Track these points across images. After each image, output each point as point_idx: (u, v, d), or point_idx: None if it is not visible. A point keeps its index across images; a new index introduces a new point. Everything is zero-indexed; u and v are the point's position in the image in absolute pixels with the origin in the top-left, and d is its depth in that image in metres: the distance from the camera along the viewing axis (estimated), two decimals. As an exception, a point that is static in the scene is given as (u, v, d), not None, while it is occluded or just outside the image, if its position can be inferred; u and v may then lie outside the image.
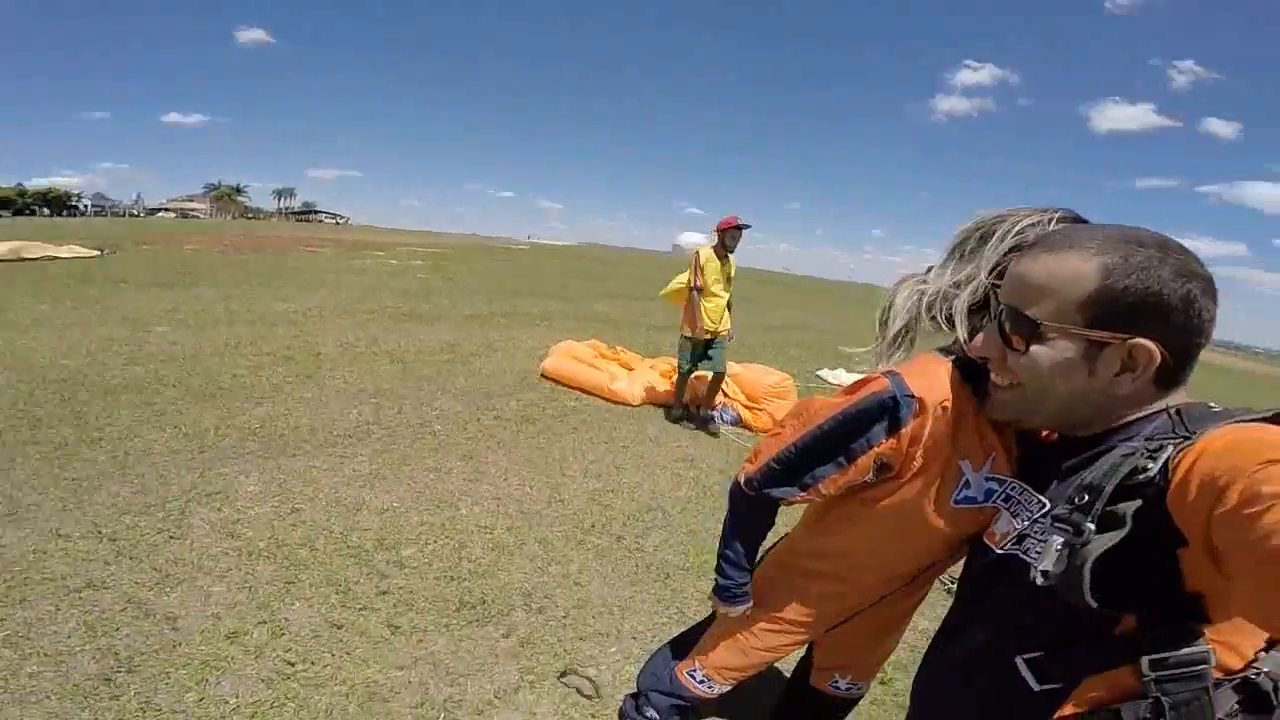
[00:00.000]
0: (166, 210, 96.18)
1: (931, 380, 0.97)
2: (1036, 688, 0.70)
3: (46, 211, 78.19)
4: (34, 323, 7.01)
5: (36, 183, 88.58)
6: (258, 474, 3.44)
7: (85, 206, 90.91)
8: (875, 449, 1.00)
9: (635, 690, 1.73)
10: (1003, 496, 0.94)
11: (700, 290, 4.73)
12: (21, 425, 3.87)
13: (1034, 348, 0.75)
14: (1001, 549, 0.81)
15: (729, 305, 4.97)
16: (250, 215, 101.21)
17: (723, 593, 1.34)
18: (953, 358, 0.99)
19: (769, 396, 5.43)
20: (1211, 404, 0.71)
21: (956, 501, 0.99)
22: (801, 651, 1.60)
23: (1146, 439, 0.69)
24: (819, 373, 7.92)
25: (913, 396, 0.95)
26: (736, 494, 1.24)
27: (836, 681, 1.54)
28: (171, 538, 2.73)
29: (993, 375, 0.83)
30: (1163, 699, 0.63)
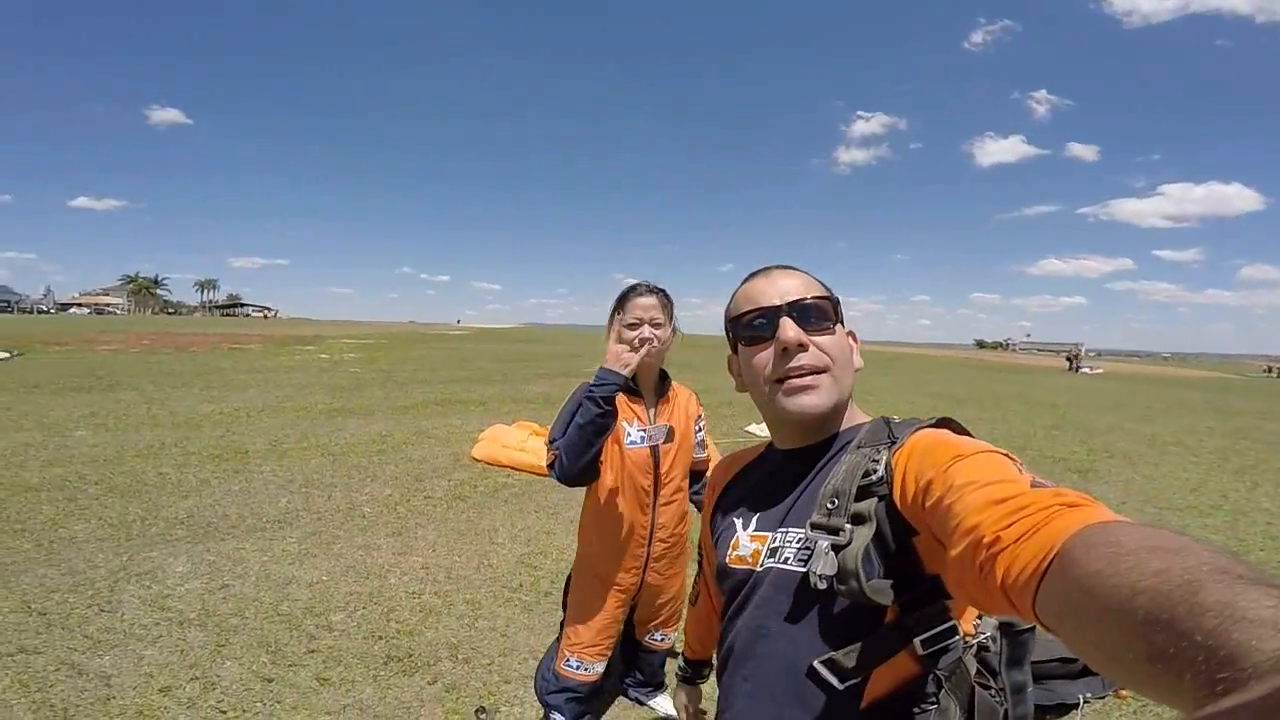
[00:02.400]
0: (80, 305, 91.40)
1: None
2: (840, 686, 0.71)
3: None
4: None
5: None
6: (186, 556, 3.53)
7: None
8: None
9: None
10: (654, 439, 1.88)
11: None
12: (-66, 524, 3.82)
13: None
14: (760, 566, 0.82)
15: None
16: (171, 310, 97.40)
17: (598, 386, 1.66)
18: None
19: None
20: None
21: (628, 445, 1.85)
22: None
23: (865, 445, 0.77)
24: (748, 428, 8.37)
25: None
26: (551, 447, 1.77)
27: (653, 635, 2.18)
28: (102, 610, 2.83)
29: (793, 369, 0.82)
30: (938, 672, 0.71)
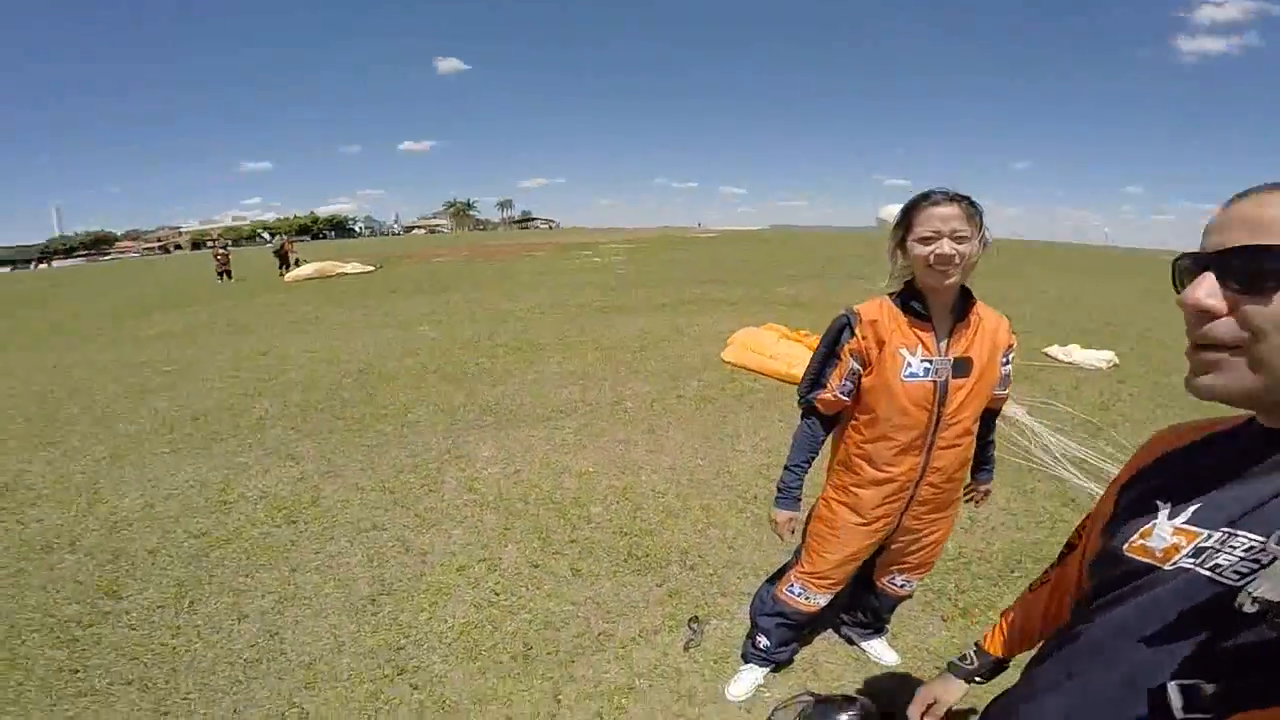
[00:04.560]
0: (418, 228, 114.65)
1: (869, 305, 1.62)
2: (1180, 716, 0.62)
3: (333, 234, 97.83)
4: (338, 326, 9.23)
5: (321, 210, 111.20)
6: (492, 441, 4.34)
7: (360, 229, 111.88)
8: (847, 345, 1.62)
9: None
10: (940, 372, 1.56)
11: None
12: (335, 404, 5.31)
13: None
14: (1169, 564, 0.69)
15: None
16: (480, 227, 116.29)
17: (779, 496, 1.80)
18: (888, 294, 1.62)
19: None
20: None
21: (905, 378, 1.56)
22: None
23: None
24: (1047, 350, 6.92)
25: (857, 313, 1.61)
26: (802, 412, 1.78)
27: (894, 578, 2.00)
28: (430, 490, 3.65)
29: (1201, 337, 0.65)
30: None
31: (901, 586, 2.01)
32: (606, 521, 3.25)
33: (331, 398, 5.51)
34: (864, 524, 1.75)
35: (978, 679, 1.06)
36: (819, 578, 1.86)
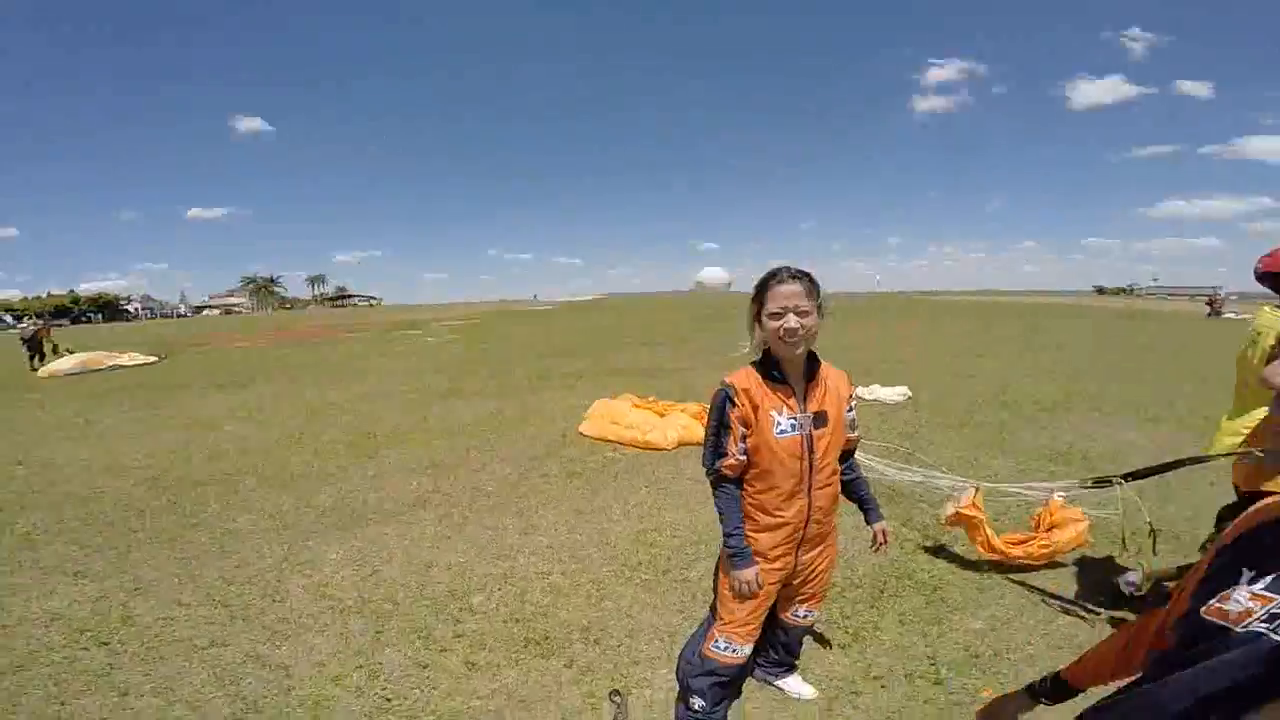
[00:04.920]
0: (210, 308, 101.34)
1: (739, 376, 1.84)
2: None
3: (100, 317, 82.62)
4: (117, 430, 7.71)
5: (86, 288, 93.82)
6: (338, 544, 3.84)
7: (135, 310, 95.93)
8: (732, 414, 1.81)
9: (678, 693, 2.07)
10: (804, 426, 1.81)
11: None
12: (130, 517, 4.39)
13: None
14: (1239, 627, 0.71)
15: None
16: (287, 306, 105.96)
17: (734, 559, 1.88)
18: (751, 362, 1.87)
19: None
20: None
21: (777, 435, 1.79)
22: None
23: None
24: (854, 390, 8.05)
25: (732, 384, 1.82)
26: (711, 482, 1.91)
27: (797, 611, 2.15)
28: (274, 601, 3.13)
29: None
30: None
31: (804, 617, 2.17)
32: (492, 610, 3.01)
33: (122, 509, 4.54)
34: (768, 565, 1.91)
35: (1044, 700, 1.11)
36: (739, 626, 1.95)
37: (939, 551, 3.47)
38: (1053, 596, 2.96)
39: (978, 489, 3.28)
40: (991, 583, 3.12)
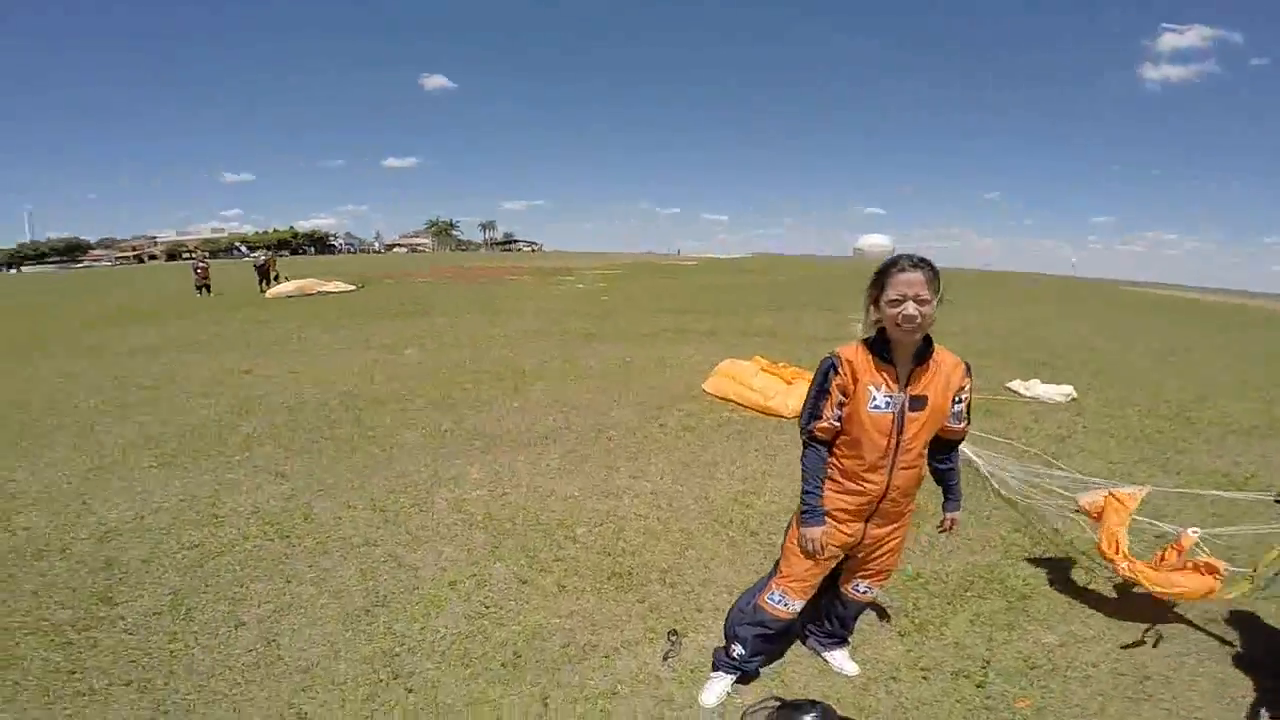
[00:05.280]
0: (399, 246, 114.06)
1: (848, 349, 1.93)
2: None
3: (312, 250, 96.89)
4: (321, 347, 9.30)
5: (302, 225, 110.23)
6: (479, 465, 4.49)
7: (340, 245, 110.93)
8: (834, 381, 1.93)
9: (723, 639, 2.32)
10: (898, 406, 1.86)
11: None
12: (324, 426, 5.41)
13: None
14: None
15: None
16: (462, 248, 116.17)
17: (806, 515, 2.02)
18: (862, 339, 1.94)
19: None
20: None
21: (870, 409, 1.88)
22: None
23: None
24: (1009, 384, 7.15)
25: (839, 355, 1.93)
26: (803, 441, 2.04)
27: (858, 585, 2.25)
28: (421, 510, 3.79)
29: None
30: None
31: (865, 592, 2.27)
32: (591, 542, 3.41)
33: (318, 419, 5.61)
34: (836, 527, 2.04)
35: None
36: (795, 581, 2.12)
37: (1042, 561, 3.30)
38: (1151, 634, 2.66)
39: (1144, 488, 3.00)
40: (1088, 599, 2.94)
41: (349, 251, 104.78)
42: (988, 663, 2.47)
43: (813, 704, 1.97)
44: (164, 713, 2.23)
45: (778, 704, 2.01)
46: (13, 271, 76.16)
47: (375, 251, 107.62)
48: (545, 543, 3.40)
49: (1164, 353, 10.30)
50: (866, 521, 2.04)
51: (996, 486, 4.14)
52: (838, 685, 2.33)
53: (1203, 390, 7.51)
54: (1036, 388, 7.04)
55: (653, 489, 4.14)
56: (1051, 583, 3.10)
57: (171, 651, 2.54)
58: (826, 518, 2.02)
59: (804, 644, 2.51)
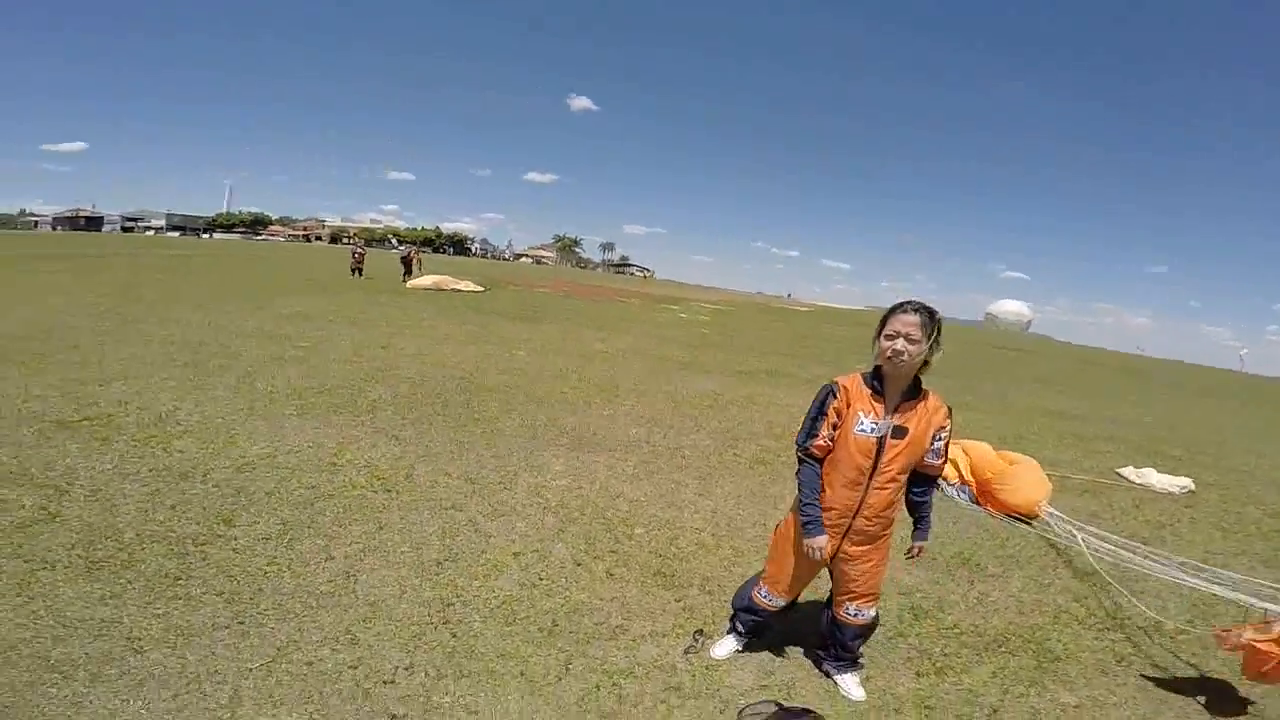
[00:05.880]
0: (526, 256, 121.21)
1: (846, 379, 2.26)
2: None
3: (451, 250, 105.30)
4: (447, 336, 10.31)
5: (446, 226, 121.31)
6: (563, 460, 4.95)
7: (475, 249, 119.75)
8: (831, 405, 2.24)
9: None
10: (881, 432, 2.15)
11: None
12: (437, 403, 6.13)
13: None
14: None
15: None
16: (582, 265, 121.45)
17: (808, 526, 2.30)
18: (859, 371, 2.27)
19: (998, 479, 5.13)
20: None
21: (856, 432, 2.18)
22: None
23: None
24: (1120, 470, 6.67)
25: (838, 383, 2.25)
26: (799, 457, 2.35)
27: (848, 608, 2.46)
28: (505, 488, 4.28)
29: None
30: None
31: (856, 615, 2.48)
32: (646, 541, 3.72)
33: (435, 396, 6.35)
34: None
35: None
36: (775, 582, 2.51)
37: (1091, 630, 3.24)
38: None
39: None
40: (1126, 672, 2.89)
41: (482, 255, 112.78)
42: (995, 711, 2.52)
43: (807, 712, 2.16)
44: (239, 622, 2.55)
45: (775, 708, 2.21)
46: (206, 236, 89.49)
47: (504, 258, 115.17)
48: (605, 535, 3.75)
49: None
50: (843, 537, 2.33)
51: (1084, 547, 4.00)
52: (839, 707, 2.46)
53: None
54: (1150, 476, 6.51)
55: (714, 508, 4.39)
56: (1093, 651, 3.05)
57: (265, 573, 2.93)
58: (800, 530, 2.34)
59: (819, 668, 2.67)
